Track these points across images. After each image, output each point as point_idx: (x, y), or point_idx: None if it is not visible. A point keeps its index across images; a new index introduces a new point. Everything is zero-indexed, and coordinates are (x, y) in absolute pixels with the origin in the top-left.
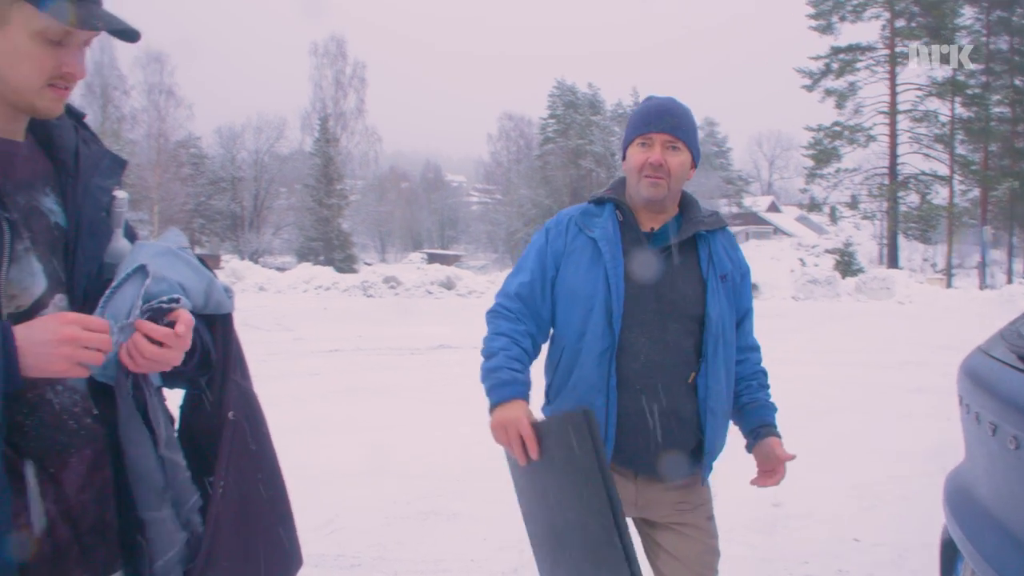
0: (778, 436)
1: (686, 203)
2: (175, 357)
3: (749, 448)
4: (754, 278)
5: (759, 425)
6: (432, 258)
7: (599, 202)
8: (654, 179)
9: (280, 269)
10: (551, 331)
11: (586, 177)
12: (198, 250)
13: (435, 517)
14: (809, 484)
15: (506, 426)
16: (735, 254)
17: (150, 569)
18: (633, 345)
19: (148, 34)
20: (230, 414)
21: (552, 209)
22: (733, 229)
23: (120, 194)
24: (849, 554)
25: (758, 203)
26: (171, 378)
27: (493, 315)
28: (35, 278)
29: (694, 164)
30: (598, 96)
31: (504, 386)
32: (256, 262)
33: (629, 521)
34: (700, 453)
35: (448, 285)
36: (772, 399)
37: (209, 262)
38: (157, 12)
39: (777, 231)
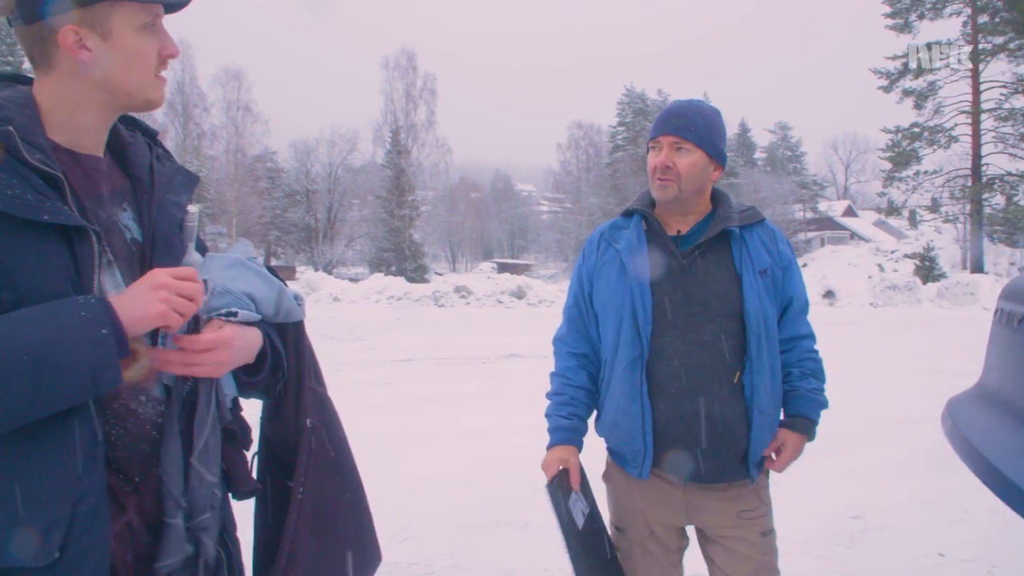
0: (800, 432)
1: (718, 201)
2: (219, 356)
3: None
4: (831, 284)
5: (787, 415)
6: (502, 267)
7: (627, 214)
8: (663, 181)
9: (353, 280)
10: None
11: None
12: (274, 262)
13: (506, 526)
14: (890, 496)
15: (544, 466)
16: (776, 247)
17: (153, 570)
18: (666, 350)
19: (226, 52)
20: (307, 420)
21: None
22: (808, 235)
23: (192, 209)
24: (934, 570)
25: (834, 208)
26: (246, 387)
27: (554, 348)
28: (119, 289)
29: (719, 166)
30: (668, 102)
31: (553, 433)
32: (330, 273)
33: (690, 530)
34: (748, 455)
35: (519, 295)
36: (816, 388)
37: (284, 273)
38: (235, 31)
39: (854, 236)
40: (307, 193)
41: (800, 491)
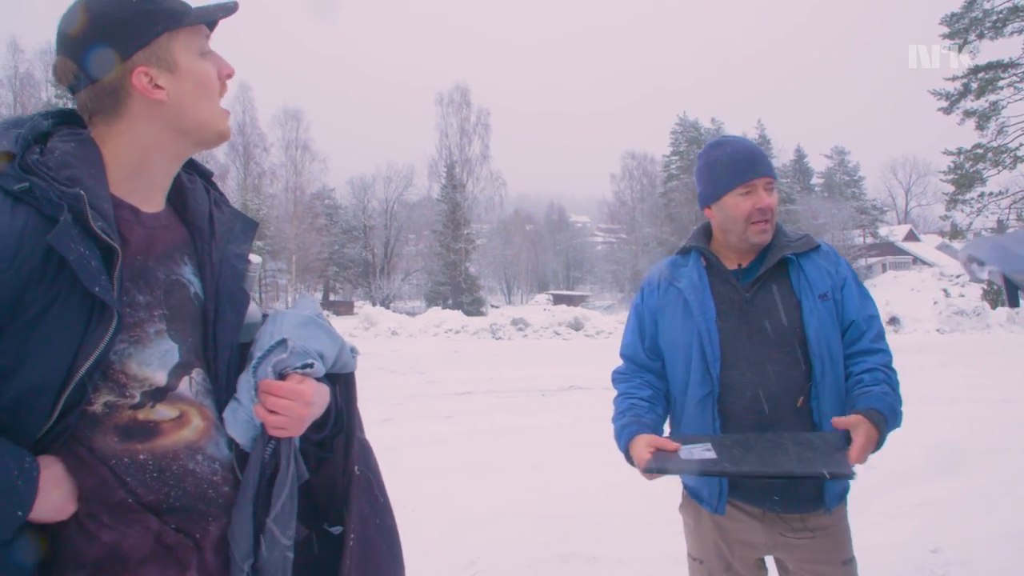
0: (870, 420)
1: (775, 232)
2: (300, 410)
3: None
4: (894, 311)
5: (860, 407)
6: (558, 299)
7: (685, 252)
8: (764, 225)
9: (410, 314)
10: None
11: None
12: (332, 297)
13: (575, 559)
14: (968, 529)
15: (638, 460)
16: (835, 269)
17: None
18: (737, 383)
19: (286, 93)
20: (356, 469)
21: (677, 246)
22: (869, 261)
23: (255, 259)
24: None
25: (895, 232)
26: (306, 442)
27: (614, 382)
28: (164, 360)
29: None
30: (721, 130)
31: (624, 432)
32: (388, 307)
33: (769, 560)
34: (832, 486)
35: (576, 326)
36: (889, 394)
37: (342, 308)
38: (294, 73)
39: (917, 261)
40: (364, 229)
41: (874, 522)
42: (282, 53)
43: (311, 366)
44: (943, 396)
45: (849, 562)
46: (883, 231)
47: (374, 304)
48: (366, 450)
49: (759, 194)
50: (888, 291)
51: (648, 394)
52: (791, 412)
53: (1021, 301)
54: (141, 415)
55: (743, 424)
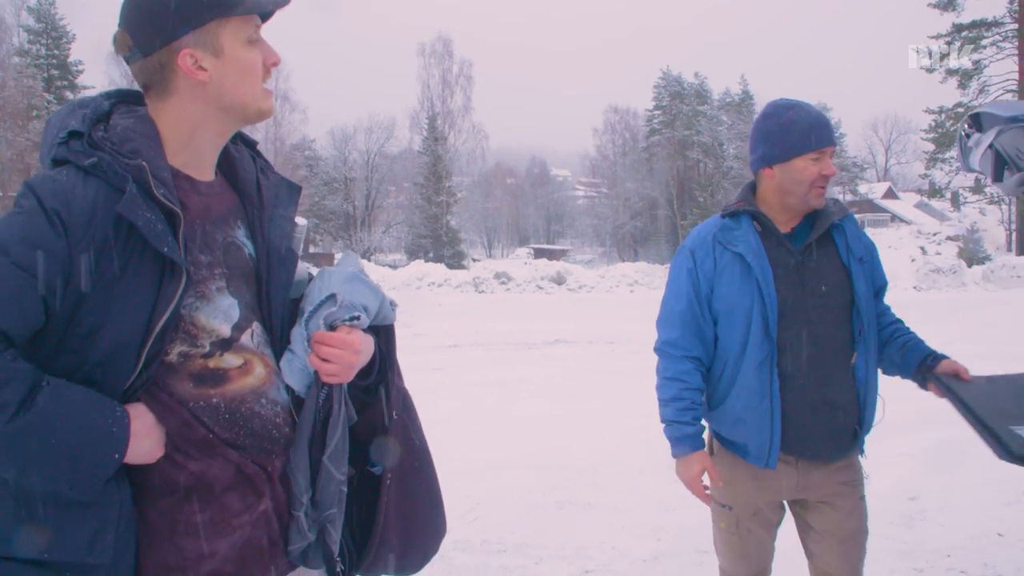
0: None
1: None
2: (350, 358)
3: (925, 378)
4: None
5: (927, 355)
6: (539, 253)
7: (734, 215)
8: (822, 190)
9: (392, 267)
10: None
11: (693, 168)
12: (312, 249)
13: (571, 506)
14: (946, 478)
15: (688, 483)
16: (862, 234)
17: (285, 553)
18: (794, 344)
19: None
20: (394, 413)
21: (658, 201)
22: None
23: (301, 222)
24: (993, 548)
25: (874, 190)
26: (353, 388)
27: (661, 354)
28: (228, 313)
29: None
30: (705, 85)
31: (680, 442)
32: (369, 260)
33: (786, 504)
34: (858, 432)
35: (558, 280)
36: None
37: (323, 260)
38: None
39: (895, 218)
40: (345, 181)
41: None
42: None
43: (358, 318)
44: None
45: (863, 499)
46: (862, 188)
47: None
48: (405, 397)
49: (826, 161)
50: None
51: (699, 381)
52: (843, 371)
53: (1005, 177)
54: (211, 363)
55: (797, 384)
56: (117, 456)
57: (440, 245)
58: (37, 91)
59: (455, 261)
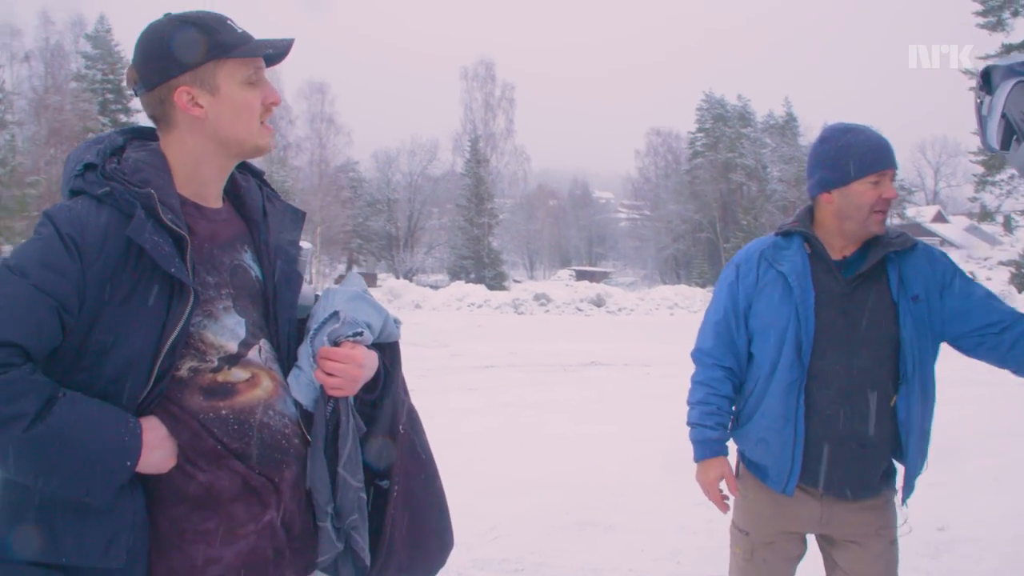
0: None
1: None
2: (354, 372)
3: None
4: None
5: None
6: (580, 275)
7: (787, 235)
8: (883, 215)
9: (433, 287)
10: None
11: (736, 191)
12: (356, 269)
13: (592, 528)
14: (979, 510)
15: (705, 488)
16: (932, 267)
17: (306, 568)
18: (826, 373)
19: (311, 65)
20: (400, 428)
21: (701, 224)
22: None
23: (306, 246)
24: None
25: (922, 213)
26: (359, 402)
27: (695, 361)
28: (234, 331)
29: None
30: (748, 108)
31: (701, 445)
32: (411, 280)
33: (810, 539)
34: (891, 473)
35: (598, 302)
36: None
37: (367, 281)
38: (318, 44)
39: (944, 243)
40: (388, 202)
41: None
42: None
43: (360, 334)
44: (967, 379)
45: (895, 543)
46: (910, 212)
47: (397, 277)
48: (411, 411)
49: (887, 184)
50: None
51: (729, 389)
52: (880, 408)
53: (1012, 145)
54: (220, 377)
55: (824, 414)
56: (129, 464)
57: (482, 266)
58: (92, 114)
59: (496, 282)
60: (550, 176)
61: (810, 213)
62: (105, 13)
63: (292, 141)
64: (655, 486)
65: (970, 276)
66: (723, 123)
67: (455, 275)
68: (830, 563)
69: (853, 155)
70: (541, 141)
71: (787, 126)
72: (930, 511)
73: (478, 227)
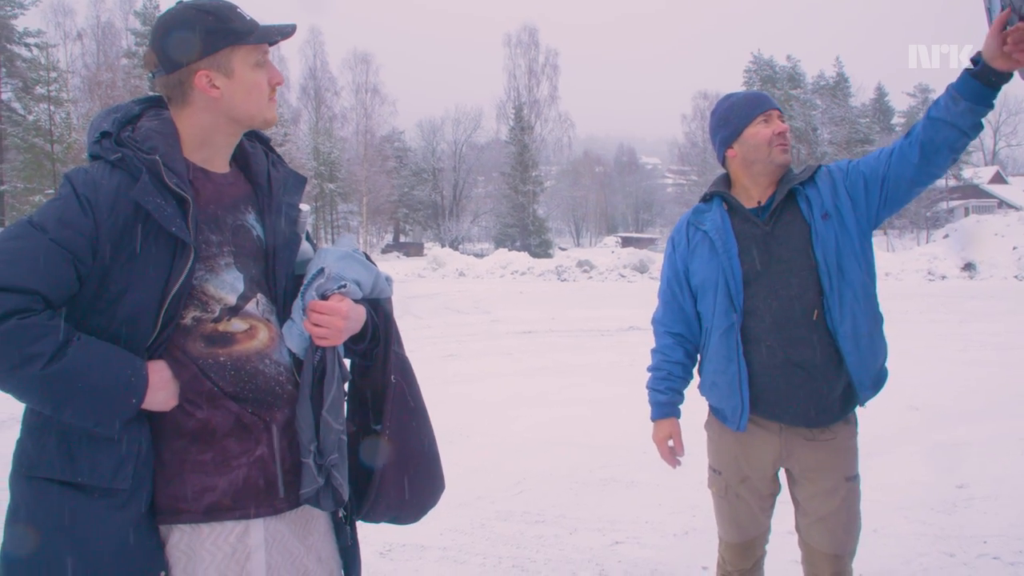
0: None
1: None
2: (338, 323)
3: (976, 64)
4: (970, 256)
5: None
6: (626, 242)
7: (707, 199)
8: (784, 145)
9: (478, 255)
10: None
11: None
12: (402, 238)
13: (614, 484)
14: (1001, 469)
15: (656, 445)
16: (831, 179)
17: (296, 495)
18: (759, 309)
19: (356, 36)
20: (392, 377)
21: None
22: (951, 204)
23: (304, 207)
24: None
25: (980, 174)
26: (350, 351)
27: (653, 329)
28: (233, 285)
29: None
30: (797, 68)
31: (653, 407)
32: (456, 249)
33: (781, 473)
34: (848, 398)
35: (641, 268)
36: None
37: (412, 250)
38: (363, 16)
39: (1003, 204)
40: (433, 171)
41: (908, 459)
42: None
43: (345, 287)
44: (1008, 343)
45: (853, 479)
46: (967, 173)
47: (443, 246)
48: (403, 363)
49: (775, 122)
50: (968, 236)
51: (680, 355)
52: (810, 328)
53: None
54: (220, 327)
55: (764, 346)
56: (134, 401)
57: (527, 234)
58: (143, 90)
59: (541, 250)
60: (596, 143)
61: (726, 177)
62: None
63: (338, 112)
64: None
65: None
66: (772, 85)
67: (500, 243)
68: (794, 501)
69: (736, 109)
70: (587, 107)
71: (838, 87)
72: (951, 468)
73: (523, 195)
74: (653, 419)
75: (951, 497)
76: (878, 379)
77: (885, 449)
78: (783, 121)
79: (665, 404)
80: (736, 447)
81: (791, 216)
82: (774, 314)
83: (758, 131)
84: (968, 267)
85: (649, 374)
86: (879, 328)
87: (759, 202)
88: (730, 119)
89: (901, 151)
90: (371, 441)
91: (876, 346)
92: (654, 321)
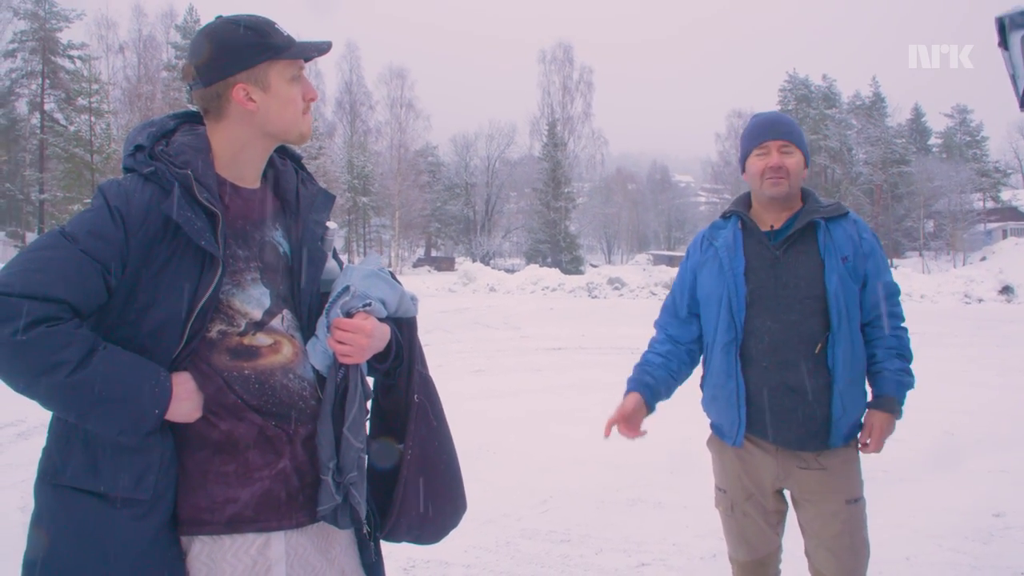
0: (884, 410)
1: (806, 197)
2: (362, 341)
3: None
4: (1009, 279)
5: (874, 395)
6: (658, 259)
7: (726, 216)
8: (775, 179)
9: (509, 271)
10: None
11: (820, 174)
12: (434, 253)
13: (642, 504)
14: None
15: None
16: (858, 236)
17: (314, 512)
18: (759, 330)
19: (392, 51)
20: (415, 396)
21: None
22: (988, 226)
23: (331, 225)
24: None
25: (1018, 197)
26: (374, 370)
27: (655, 326)
28: (259, 300)
29: (806, 164)
30: (833, 88)
31: (628, 382)
32: (487, 264)
33: (787, 494)
34: (841, 428)
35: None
36: (901, 369)
37: (443, 264)
38: (398, 31)
39: None
40: (466, 186)
41: (942, 486)
42: (389, 6)
43: (369, 305)
44: None
45: (854, 502)
46: (1006, 195)
47: (474, 260)
48: (426, 382)
49: (771, 155)
50: (1006, 258)
51: (666, 349)
52: (808, 357)
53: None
54: (246, 340)
55: (760, 366)
56: (157, 412)
57: (558, 250)
58: (182, 103)
59: (573, 266)
60: (629, 160)
61: (748, 197)
62: (194, 5)
63: (372, 126)
64: (705, 465)
65: (889, 266)
66: (807, 104)
67: (531, 259)
68: (800, 524)
69: (745, 136)
70: (620, 124)
71: (874, 106)
72: (988, 497)
73: (555, 211)
74: (625, 392)
75: (987, 526)
76: (851, 433)
77: (919, 475)
78: (786, 153)
79: (633, 381)
80: (738, 464)
81: (806, 246)
82: (773, 336)
83: (753, 163)
84: (1006, 290)
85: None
86: (865, 381)
87: (772, 226)
88: (742, 145)
89: (867, 332)
90: (393, 461)
91: (858, 397)
92: (655, 324)
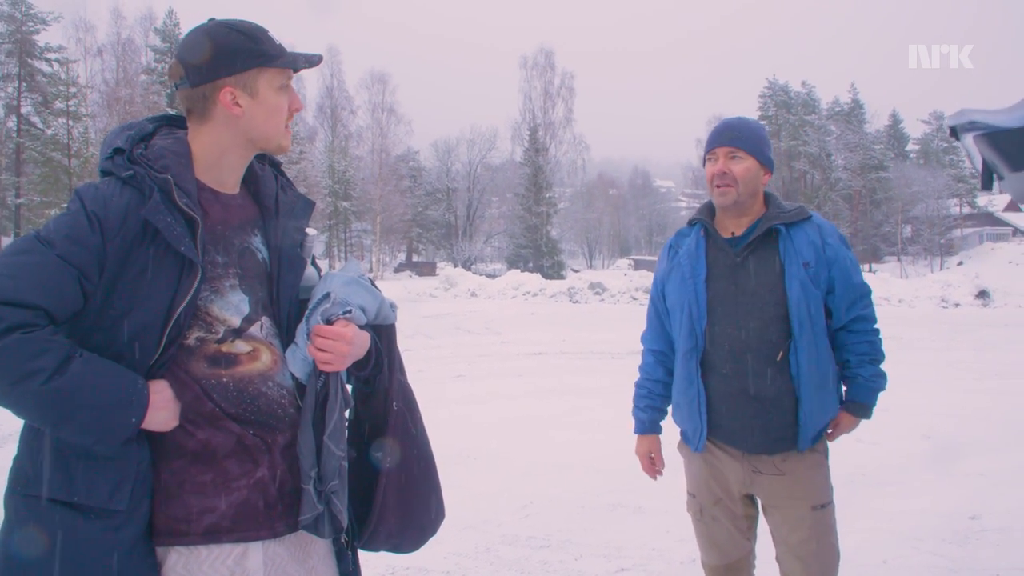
0: (854, 415)
1: (769, 203)
2: (342, 348)
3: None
4: (984, 284)
5: (847, 399)
6: (639, 264)
7: (691, 224)
8: (723, 188)
9: (491, 276)
10: None
11: (800, 179)
12: (415, 258)
13: (622, 509)
14: (1017, 502)
15: (638, 458)
16: (821, 241)
17: (296, 522)
18: (719, 336)
19: (373, 56)
20: (394, 404)
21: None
22: (965, 231)
23: (311, 231)
24: None
25: (995, 202)
26: (353, 378)
27: (642, 342)
28: (238, 307)
29: (768, 170)
30: (812, 94)
31: (636, 423)
32: (469, 269)
33: (758, 500)
34: (803, 432)
35: None
36: (875, 374)
37: (424, 269)
38: (381, 36)
39: (1017, 232)
40: (447, 191)
41: (923, 489)
42: (371, 13)
43: (349, 312)
44: (1017, 372)
45: (821, 508)
46: (982, 201)
47: (456, 266)
48: (405, 389)
49: (718, 162)
50: (982, 263)
51: (661, 373)
52: (770, 364)
53: (994, 184)
54: (224, 348)
55: (720, 373)
56: (134, 421)
57: (540, 255)
58: (161, 107)
59: (554, 271)
60: (611, 165)
61: (711, 204)
62: (174, 8)
63: (353, 131)
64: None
65: (858, 267)
66: (786, 110)
67: (513, 264)
68: (770, 530)
69: (707, 143)
70: (602, 130)
71: (853, 113)
72: (965, 499)
73: (536, 216)
74: (635, 433)
75: (964, 529)
76: (819, 436)
77: (896, 479)
78: (733, 159)
79: (645, 422)
80: (705, 469)
81: (767, 253)
82: (733, 344)
83: (707, 170)
84: (982, 295)
85: (634, 390)
86: (837, 384)
87: (733, 233)
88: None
89: (839, 337)
90: (371, 468)
91: (827, 402)
92: (642, 338)
